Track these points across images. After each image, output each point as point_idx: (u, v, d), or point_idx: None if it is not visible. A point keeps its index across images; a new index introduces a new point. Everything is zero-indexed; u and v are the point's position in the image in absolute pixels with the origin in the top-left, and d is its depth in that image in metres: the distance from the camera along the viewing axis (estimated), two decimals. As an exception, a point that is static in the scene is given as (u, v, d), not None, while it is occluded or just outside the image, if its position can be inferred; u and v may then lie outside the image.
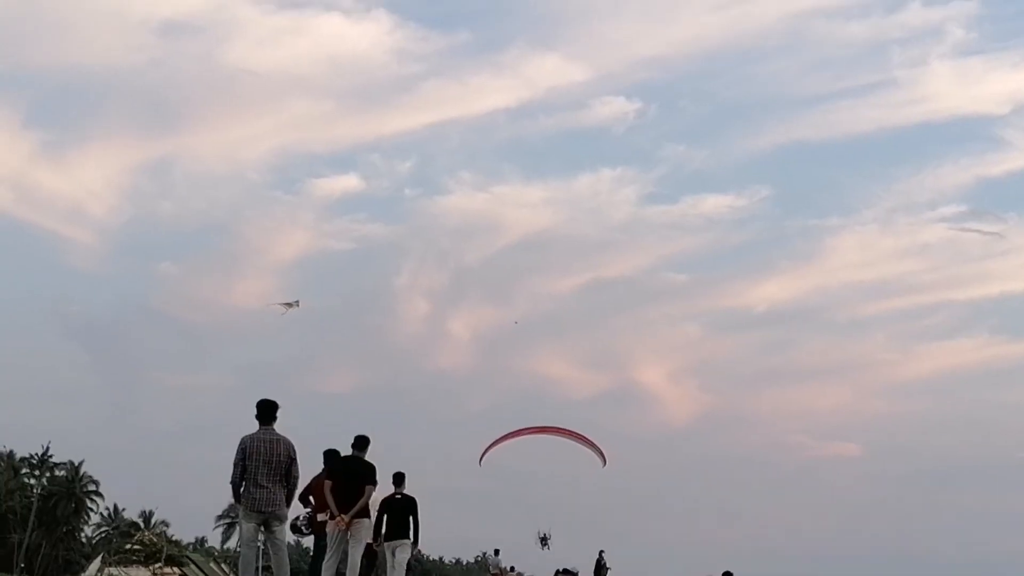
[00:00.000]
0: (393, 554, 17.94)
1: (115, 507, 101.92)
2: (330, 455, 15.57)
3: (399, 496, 17.58)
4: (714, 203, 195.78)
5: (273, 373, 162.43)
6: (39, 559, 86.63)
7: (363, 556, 19.09)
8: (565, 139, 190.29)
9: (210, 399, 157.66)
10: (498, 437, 31.43)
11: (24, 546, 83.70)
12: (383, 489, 18.97)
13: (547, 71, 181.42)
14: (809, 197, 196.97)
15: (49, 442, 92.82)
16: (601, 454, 32.23)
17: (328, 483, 14.70)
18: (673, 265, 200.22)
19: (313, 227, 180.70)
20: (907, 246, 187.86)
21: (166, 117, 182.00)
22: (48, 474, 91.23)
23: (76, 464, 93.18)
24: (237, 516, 78.71)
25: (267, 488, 12.47)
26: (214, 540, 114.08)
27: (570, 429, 32.90)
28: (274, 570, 13.05)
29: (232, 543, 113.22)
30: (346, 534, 14.74)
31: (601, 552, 37.26)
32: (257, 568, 13.18)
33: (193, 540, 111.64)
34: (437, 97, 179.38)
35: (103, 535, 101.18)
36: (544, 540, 34.05)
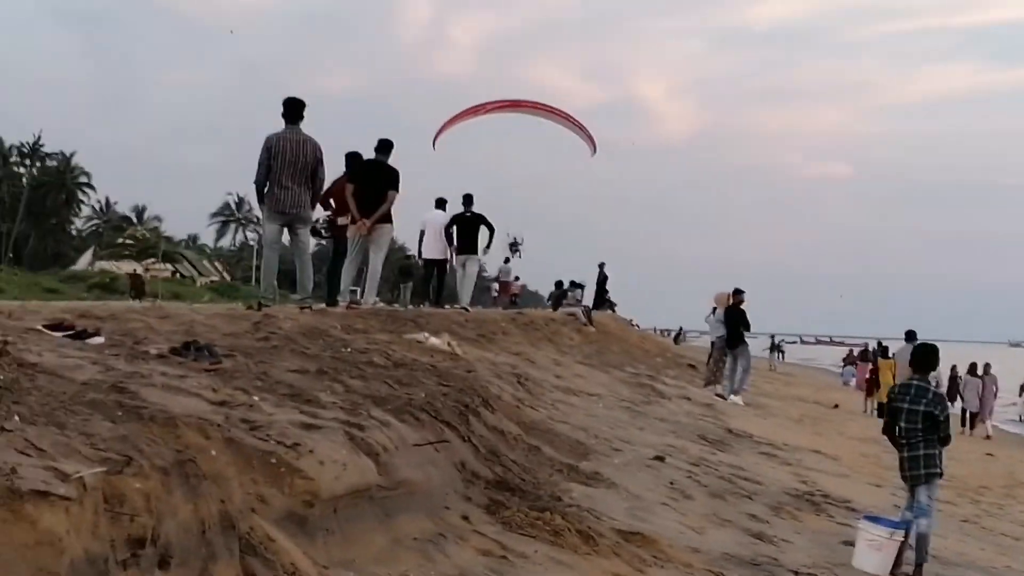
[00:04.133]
0: (463, 267, 19.92)
1: (107, 200, 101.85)
2: (352, 158, 14.80)
3: (468, 214, 19.34)
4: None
5: (268, 72, 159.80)
6: (27, 250, 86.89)
7: (435, 272, 19.86)
8: None
9: (208, 97, 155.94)
10: (456, 113, 23.60)
11: (12, 236, 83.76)
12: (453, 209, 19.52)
13: None
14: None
15: (41, 131, 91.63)
16: (591, 139, 25.51)
17: (350, 187, 14.07)
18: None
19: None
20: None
21: None
22: (39, 164, 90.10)
23: (68, 155, 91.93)
24: (231, 216, 78.62)
25: (292, 189, 11.85)
26: (207, 238, 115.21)
27: (550, 106, 25.47)
28: (297, 273, 12.58)
29: (225, 242, 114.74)
30: (367, 239, 14.22)
31: (601, 264, 36.87)
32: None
33: (185, 237, 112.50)
34: None
35: (94, 228, 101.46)
36: (514, 246, 30.78)
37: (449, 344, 12.04)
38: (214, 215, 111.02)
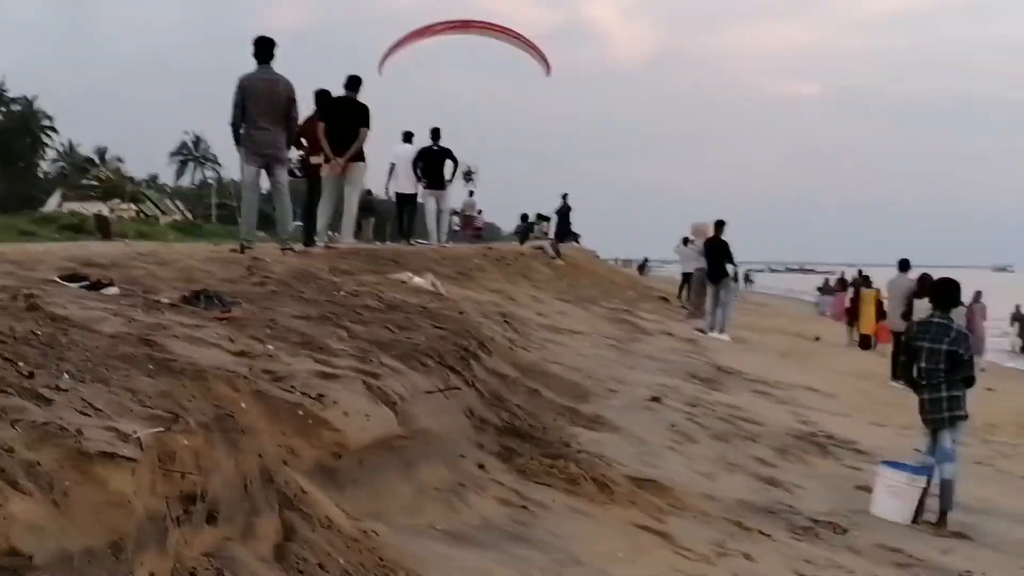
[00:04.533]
0: (437, 202, 20.30)
1: (70, 143, 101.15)
2: (322, 95, 14.66)
3: (436, 148, 19.37)
4: None
5: (222, 6, 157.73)
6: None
7: (404, 206, 19.73)
8: None
9: (160, 34, 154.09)
10: (403, 36, 22.07)
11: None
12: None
13: None
14: None
15: (3, 76, 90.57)
16: (544, 60, 23.88)
17: (321, 125, 13.98)
18: None
19: None
20: None
21: None
22: (3, 109, 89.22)
23: (30, 99, 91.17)
24: (189, 155, 78.17)
25: (268, 130, 11.76)
26: (166, 178, 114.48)
27: (501, 25, 23.94)
28: (276, 214, 12.53)
29: (185, 181, 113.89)
30: (341, 178, 14.17)
31: (564, 195, 36.53)
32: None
33: (146, 177, 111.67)
34: None
35: (60, 171, 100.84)
36: (469, 175, 29.09)
37: (433, 284, 12.05)
38: (173, 154, 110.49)
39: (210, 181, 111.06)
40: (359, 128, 13.93)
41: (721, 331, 20.67)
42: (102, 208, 79.00)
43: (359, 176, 14.41)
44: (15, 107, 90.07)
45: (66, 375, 3.28)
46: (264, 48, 11.82)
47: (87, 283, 6.29)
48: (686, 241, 28.05)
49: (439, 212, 20.22)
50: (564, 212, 34.67)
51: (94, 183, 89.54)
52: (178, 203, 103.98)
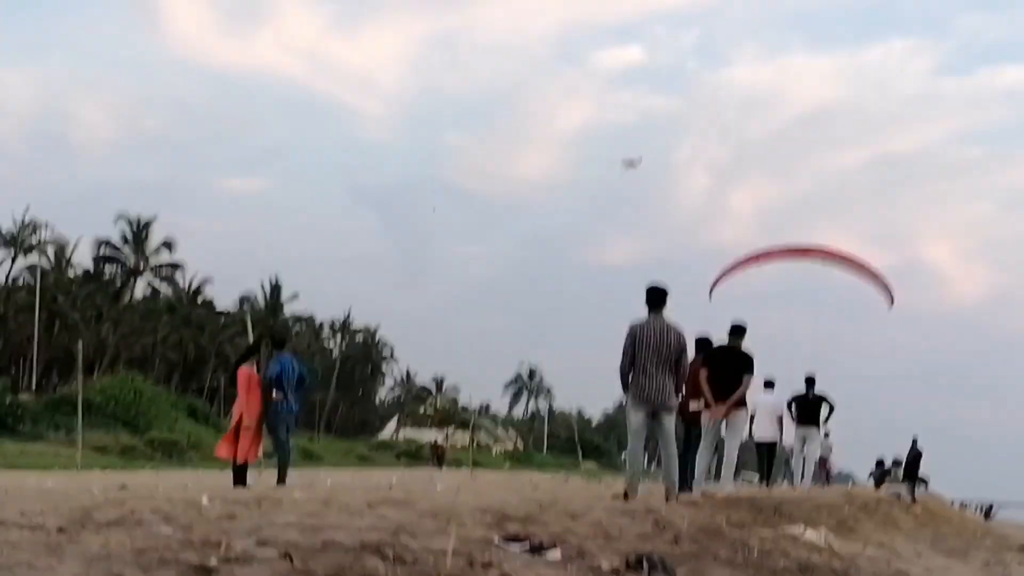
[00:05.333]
0: (805, 443, 20.50)
1: (407, 371, 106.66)
2: (703, 343, 14.81)
3: (811, 397, 19.96)
4: (1012, 74, 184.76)
5: (553, 244, 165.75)
6: (337, 418, 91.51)
7: (765, 453, 19.60)
8: (852, 9, 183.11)
9: (494, 268, 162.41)
10: (738, 260, 20.87)
11: (325, 406, 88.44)
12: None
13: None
14: None
15: (350, 307, 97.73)
16: (888, 290, 21.70)
17: (704, 371, 13.98)
18: (967, 139, 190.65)
19: (595, 99, 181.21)
20: None
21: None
22: (347, 338, 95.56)
23: (372, 329, 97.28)
24: (524, 385, 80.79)
25: (656, 377, 11.83)
26: (499, 406, 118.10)
27: (842, 252, 22.04)
28: (663, 461, 12.44)
29: (518, 411, 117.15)
30: (721, 425, 14.02)
31: (915, 438, 34.55)
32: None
33: (479, 405, 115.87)
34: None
35: (396, 398, 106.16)
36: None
37: (825, 539, 11.55)
38: (508, 384, 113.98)
39: (542, 412, 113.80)
40: (743, 375, 13.87)
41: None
42: (437, 436, 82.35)
43: (741, 423, 14.29)
44: (359, 337, 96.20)
45: None
46: (657, 297, 12.05)
47: (528, 545, 6.32)
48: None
49: (806, 454, 19.81)
50: (916, 456, 33.11)
51: (430, 412, 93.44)
52: (511, 430, 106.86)
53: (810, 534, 11.27)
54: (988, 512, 62.69)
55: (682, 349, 12.01)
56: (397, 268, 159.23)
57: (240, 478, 14.68)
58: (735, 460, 14.75)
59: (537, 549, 6.26)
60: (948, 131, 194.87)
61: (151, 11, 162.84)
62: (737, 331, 14.29)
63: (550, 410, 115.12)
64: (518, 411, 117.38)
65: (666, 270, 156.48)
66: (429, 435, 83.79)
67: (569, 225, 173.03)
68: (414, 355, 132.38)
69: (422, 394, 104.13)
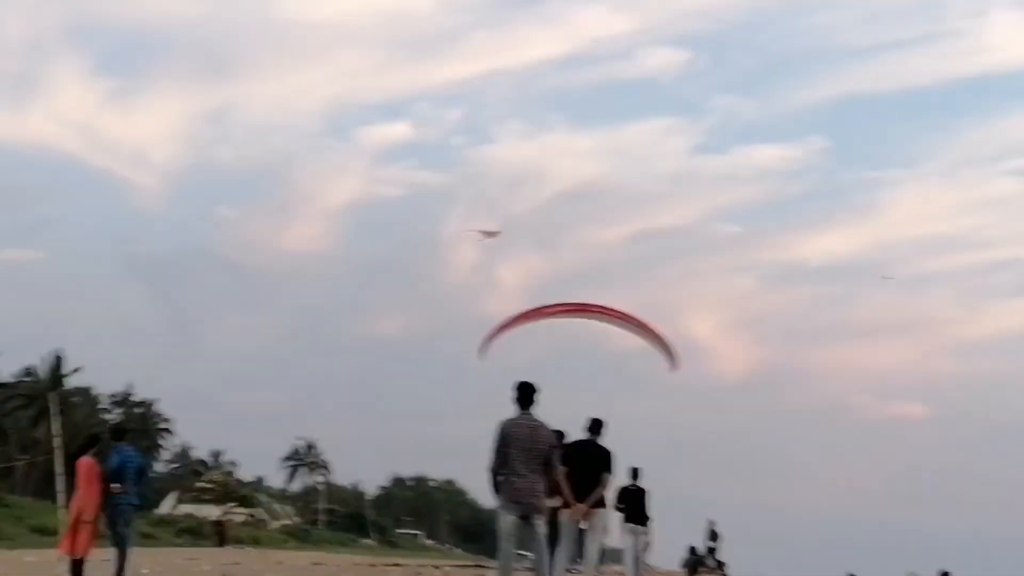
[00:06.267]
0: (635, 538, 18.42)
1: (183, 447, 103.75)
2: (558, 437, 14.62)
3: (633, 487, 18.05)
4: (766, 154, 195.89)
5: (325, 317, 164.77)
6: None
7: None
8: (612, 89, 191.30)
9: (267, 339, 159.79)
10: (512, 316, 19.01)
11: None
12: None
13: (593, 21, 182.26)
14: (866, 149, 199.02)
15: (131, 380, 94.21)
16: (670, 352, 19.09)
17: (562, 468, 13.76)
18: (725, 216, 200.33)
19: (364, 174, 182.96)
20: (972, 200, 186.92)
21: (223, 67, 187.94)
22: (125, 410, 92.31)
23: (149, 402, 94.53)
24: (301, 460, 79.53)
25: (527, 477, 11.52)
26: (273, 480, 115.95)
27: (622, 311, 19.57)
28: (535, 565, 12.15)
29: (296, 485, 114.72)
30: (579, 525, 13.86)
31: (711, 522, 35.11)
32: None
33: (253, 480, 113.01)
34: (484, 47, 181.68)
35: (174, 472, 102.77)
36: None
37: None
38: (285, 459, 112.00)
39: (319, 487, 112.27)
40: (602, 473, 13.71)
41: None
42: (215, 511, 79.84)
43: (601, 522, 14.10)
44: (138, 410, 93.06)
45: None
46: (527, 393, 11.69)
47: None
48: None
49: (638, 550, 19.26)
50: (712, 538, 33.67)
51: (207, 486, 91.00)
52: (287, 508, 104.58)
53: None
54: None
55: (554, 448, 11.75)
56: (174, 340, 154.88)
57: (77, 573, 14.34)
58: (595, 559, 14.61)
59: None
60: (707, 208, 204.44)
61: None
62: (595, 426, 14.15)
63: (327, 485, 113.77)
64: (296, 485, 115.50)
65: (437, 342, 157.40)
66: (208, 510, 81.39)
67: (340, 297, 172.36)
68: (192, 428, 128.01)
69: (200, 468, 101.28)
